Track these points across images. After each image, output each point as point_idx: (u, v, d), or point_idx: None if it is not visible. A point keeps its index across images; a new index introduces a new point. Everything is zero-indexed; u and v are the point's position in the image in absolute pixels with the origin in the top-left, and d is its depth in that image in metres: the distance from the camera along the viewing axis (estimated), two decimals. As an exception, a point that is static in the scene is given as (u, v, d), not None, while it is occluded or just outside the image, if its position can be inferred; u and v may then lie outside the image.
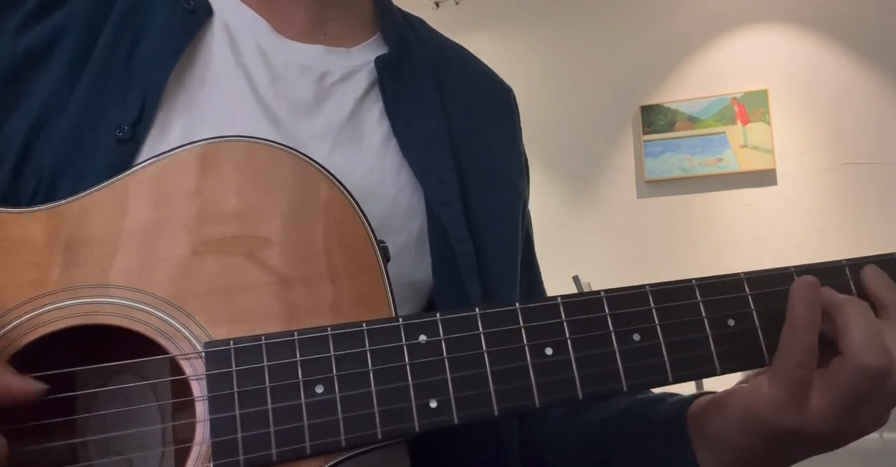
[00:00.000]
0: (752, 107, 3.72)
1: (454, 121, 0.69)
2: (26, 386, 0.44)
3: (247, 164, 0.50)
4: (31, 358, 0.46)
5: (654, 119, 3.91)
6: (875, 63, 3.57)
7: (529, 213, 0.79)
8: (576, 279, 3.30)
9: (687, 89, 3.89)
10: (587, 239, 3.97)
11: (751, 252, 3.62)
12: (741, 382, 0.54)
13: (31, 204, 0.50)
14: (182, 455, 0.46)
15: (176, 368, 0.47)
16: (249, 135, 0.51)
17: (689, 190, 3.83)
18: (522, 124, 0.81)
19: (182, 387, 0.47)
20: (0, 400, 0.43)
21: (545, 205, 3.91)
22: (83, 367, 0.46)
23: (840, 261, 0.55)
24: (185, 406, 0.47)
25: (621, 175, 3.98)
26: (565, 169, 4.07)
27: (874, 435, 3.14)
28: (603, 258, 3.86)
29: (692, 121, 3.83)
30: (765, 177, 3.68)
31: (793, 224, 3.59)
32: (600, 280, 3.53)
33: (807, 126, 3.66)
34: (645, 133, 3.92)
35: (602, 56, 4.06)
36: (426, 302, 0.64)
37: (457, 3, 4.36)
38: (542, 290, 0.80)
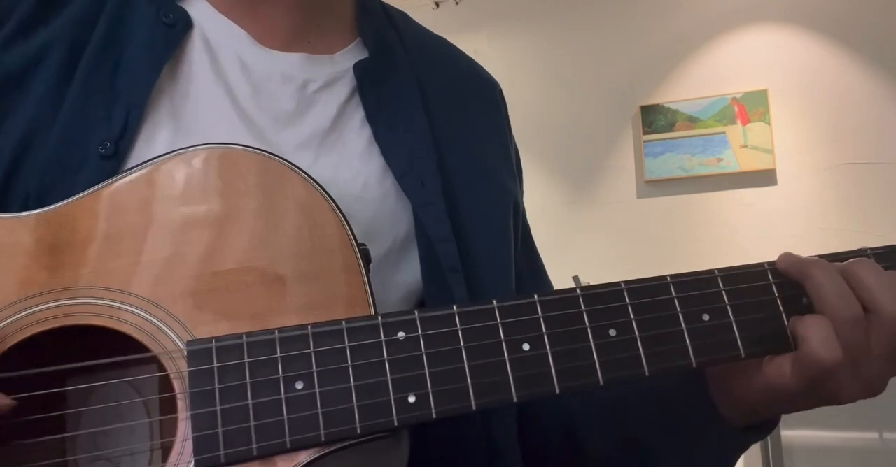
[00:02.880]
0: (752, 107, 3.72)
1: (438, 120, 0.69)
2: None
3: (229, 169, 0.51)
4: (19, 359, 0.47)
5: (653, 119, 3.91)
6: (875, 63, 3.56)
7: (524, 208, 0.78)
8: (576, 279, 3.30)
9: (687, 89, 3.88)
10: (587, 239, 3.97)
11: (751, 252, 3.59)
12: None
13: None
14: (169, 453, 0.47)
15: (163, 369, 0.48)
16: (232, 142, 0.52)
17: (689, 190, 3.82)
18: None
19: (169, 389, 0.48)
20: None
21: (545, 205, 3.91)
22: (58, 367, 0.47)
23: (822, 257, 0.55)
24: (173, 408, 0.48)
25: (621, 175, 3.98)
26: (565, 169, 4.06)
27: (874, 435, 3.14)
28: (603, 258, 3.86)
29: (692, 121, 3.83)
30: (765, 177, 3.68)
31: (793, 224, 3.58)
32: (600, 280, 3.46)
33: (807, 126, 3.65)
34: (645, 133, 3.92)
35: (602, 56, 4.06)
36: (418, 305, 0.64)
37: (457, 3, 4.36)
38: (546, 281, 0.80)
